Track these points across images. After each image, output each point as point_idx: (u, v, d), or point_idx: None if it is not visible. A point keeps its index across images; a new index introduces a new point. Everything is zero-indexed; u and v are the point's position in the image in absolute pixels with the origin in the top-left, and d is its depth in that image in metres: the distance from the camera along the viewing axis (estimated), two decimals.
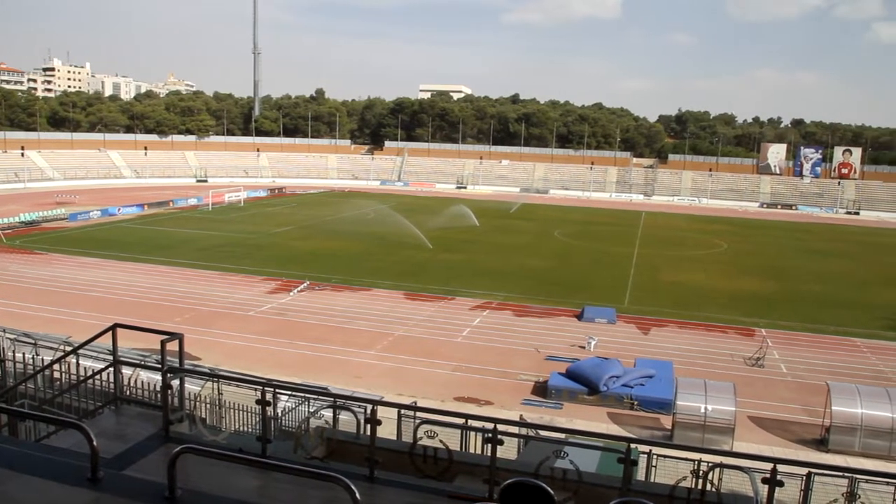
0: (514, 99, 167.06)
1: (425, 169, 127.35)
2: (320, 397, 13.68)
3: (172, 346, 7.73)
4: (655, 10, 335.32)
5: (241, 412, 14.77)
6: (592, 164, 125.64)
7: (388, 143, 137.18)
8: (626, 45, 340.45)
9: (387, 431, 13.29)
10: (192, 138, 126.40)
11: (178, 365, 7.88)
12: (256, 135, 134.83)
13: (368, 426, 7.10)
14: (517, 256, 54.57)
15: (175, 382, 7.55)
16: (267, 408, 7.34)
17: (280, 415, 15.13)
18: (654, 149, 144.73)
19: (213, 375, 13.21)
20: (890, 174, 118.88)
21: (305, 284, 41.00)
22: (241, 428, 14.58)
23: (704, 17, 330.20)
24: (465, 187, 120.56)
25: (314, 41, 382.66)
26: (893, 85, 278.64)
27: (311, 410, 13.73)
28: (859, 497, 10.06)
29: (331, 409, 12.67)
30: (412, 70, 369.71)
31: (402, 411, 14.80)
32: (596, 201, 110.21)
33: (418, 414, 12.20)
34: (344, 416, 13.39)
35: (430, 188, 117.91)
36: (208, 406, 13.96)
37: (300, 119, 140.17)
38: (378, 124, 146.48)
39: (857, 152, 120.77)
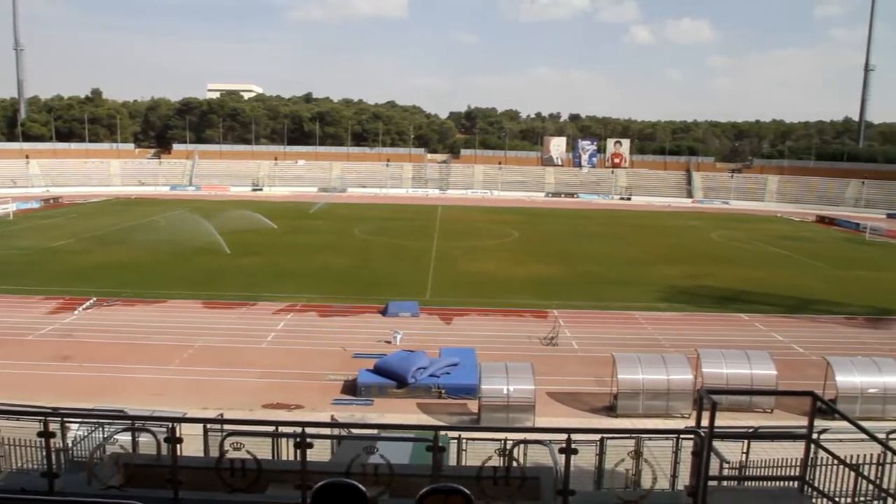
0: (308, 98, 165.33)
1: (218, 172, 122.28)
2: (115, 421, 12.74)
3: None
4: (439, 9, 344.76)
5: (23, 448, 13.40)
6: (388, 161, 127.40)
7: (176, 146, 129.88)
8: (414, 44, 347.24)
9: (193, 448, 12.68)
10: None
11: None
12: (24, 140, 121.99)
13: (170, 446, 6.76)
14: (319, 256, 54.12)
15: None
16: (52, 439, 6.74)
17: (71, 445, 13.91)
18: (447, 144, 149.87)
19: None
20: (654, 163, 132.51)
21: (92, 301, 37.91)
22: (24, 465, 13.24)
23: (484, 17, 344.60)
24: (261, 189, 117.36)
25: (87, 37, 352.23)
26: (651, 82, 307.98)
27: (106, 436, 12.79)
28: (643, 453, 11.10)
29: (128, 433, 11.85)
30: (198, 69, 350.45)
31: (209, 425, 14.20)
32: (393, 197, 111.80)
33: (225, 426, 11.75)
34: (144, 439, 12.57)
35: (224, 191, 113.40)
36: None
37: (75, 122, 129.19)
38: (164, 126, 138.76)
39: (626, 143, 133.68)
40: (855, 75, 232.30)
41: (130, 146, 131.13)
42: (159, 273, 46.67)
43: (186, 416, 17.57)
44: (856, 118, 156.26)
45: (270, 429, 11.71)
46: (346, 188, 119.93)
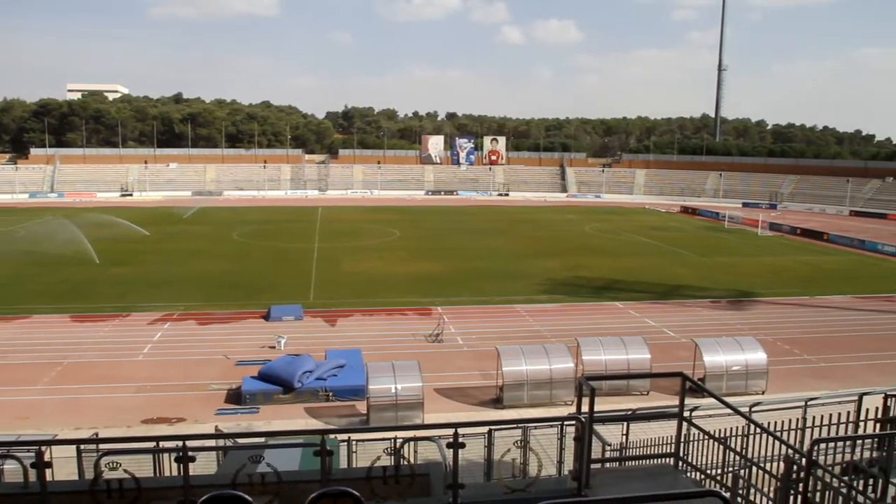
0: (178, 98, 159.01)
1: (83, 177, 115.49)
2: None
3: None
4: (312, 8, 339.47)
5: None
6: (265, 162, 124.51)
7: (34, 151, 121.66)
8: (288, 43, 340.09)
9: (66, 472, 12.02)
10: None
11: None
12: None
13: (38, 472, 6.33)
14: (195, 262, 52.22)
15: None
16: None
17: None
18: (325, 145, 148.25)
19: None
20: (529, 159, 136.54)
21: None
22: None
23: (359, 16, 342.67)
24: (131, 194, 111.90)
25: None
26: (523, 81, 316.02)
27: None
28: (529, 442, 11.43)
29: None
30: (55, 68, 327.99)
31: (83, 446, 13.46)
32: (272, 199, 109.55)
33: (101, 446, 11.16)
34: (9, 466, 11.77)
35: (90, 198, 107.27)
36: None
37: None
38: (19, 129, 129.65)
39: (502, 141, 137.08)
40: (710, 74, 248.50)
41: None
42: (21, 286, 43.61)
43: (57, 438, 16.55)
44: (712, 114, 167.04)
45: (150, 445, 11.23)
46: (222, 191, 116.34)
